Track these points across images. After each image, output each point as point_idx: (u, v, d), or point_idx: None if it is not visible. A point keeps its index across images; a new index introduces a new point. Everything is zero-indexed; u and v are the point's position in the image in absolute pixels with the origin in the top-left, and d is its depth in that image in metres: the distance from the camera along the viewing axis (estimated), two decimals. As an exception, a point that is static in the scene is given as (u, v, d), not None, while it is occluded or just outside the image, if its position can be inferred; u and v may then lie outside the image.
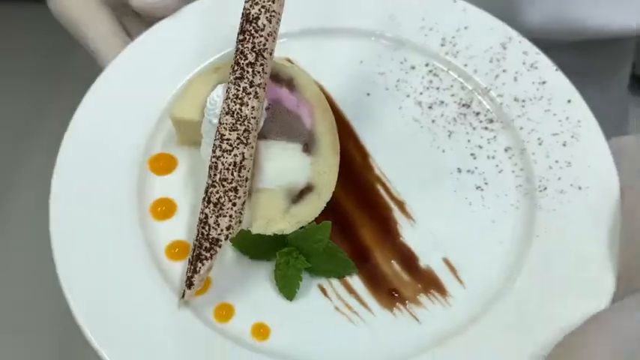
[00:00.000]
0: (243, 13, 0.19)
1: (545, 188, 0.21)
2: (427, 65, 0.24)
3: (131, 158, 0.21)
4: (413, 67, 0.24)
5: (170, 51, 0.23)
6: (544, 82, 0.23)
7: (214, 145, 0.18)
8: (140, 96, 0.22)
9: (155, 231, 0.20)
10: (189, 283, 0.18)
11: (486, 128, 0.23)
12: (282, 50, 0.23)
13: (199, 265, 0.18)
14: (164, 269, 0.19)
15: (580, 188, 0.21)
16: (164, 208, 0.21)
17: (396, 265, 0.20)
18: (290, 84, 0.20)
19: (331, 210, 0.20)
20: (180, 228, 0.20)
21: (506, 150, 0.22)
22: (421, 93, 0.24)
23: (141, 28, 0.24)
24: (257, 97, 0.18)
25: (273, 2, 0.19)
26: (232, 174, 0.18)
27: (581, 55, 0.35)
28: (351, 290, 0.20)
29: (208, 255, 0.18)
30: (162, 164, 0.22)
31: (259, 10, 0.18)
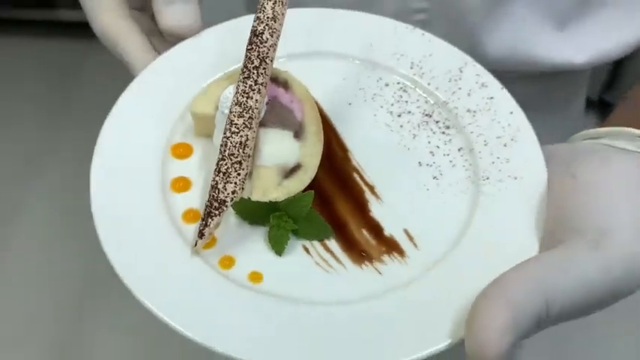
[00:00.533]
0: (251, 30, 0.25)
1: (488, 178, 0.26)
2: (398, 83, 0.30)
3: (157, 145, 0.26)
4: (387, 85, 0.30)
5: (191, 63, 0.29)
6: (492, 98, 0.29)
7: (225, 128, 0.24)
8: (166, 97, 0.28)
9: (174, 201, 0.25)
10: (201, 234, 0.23)
11: (444, 133, 0.28)
12: (281, 66, 0.28)
13: (209, 220, 0.23)
14: (180, 230, 0.24)
15: (516, 178, 0.26)
16: (182, 184, 0.26)
17: (365, 233, 0.25)
18: (285, 85, 0.26)
19: (314, 187, 0.25)
20: (194, 199, 0.25)
21: (459, 150, 0.28)
22: (392, 104, 0.29)
23: (166, 46, 0.30)
24: (260, 93, 0.24)
25: (275, 22, 0.24)
26: (238, 150, 0.23)
27: (538, 83, 0.40)
28: (328, 250, 0.24)
29: (217, 213, 0.23)
30: (182, 151, 0.27)
31: (264, 27, 0.24)
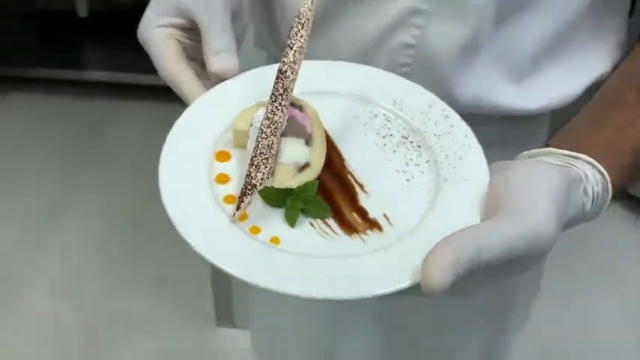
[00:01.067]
0: (278, 69, 0.35)
1: (446, 180, 0.36)
2: (384, 115, 0.40)
3: (205, 151, 0.36)
4: (375, 115, 0.40)
5: (231, 95, 0.39)
6: (452, 126, 0.39)
7: (257, 136, 0.34)
8: (212, 119, 0.38)
9: (218, 190, 0.35)
10: (238, 208, 0.33)
11: (416, 150, 0.38)
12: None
13: (244, 198, 0.33)
14: (223, 208, 0.34)
15: (466, 180, 0.36)
16: (223, 179, 0.36)
17: (354, 215, 0.34)
18: (300, 108, 0.36)
19: (319, 182, 0.35)
20: (232, 189, 0.35)
21: (426, 161, 0.37)
22: (379, 129, 0.39)
23: (210, 85, 0.40)
24: (282, 112, 0.34)
25: (294, 64, 0.35)
26: (266, 151, 0.33)
27: (501, 125, 0.50)
28: (327, 225, 0.34)
29: (249, 193, 0.33)
30: (223, 156, 0.37)
31: (287, 67, 0.35)
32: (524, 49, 0.47)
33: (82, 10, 2.35)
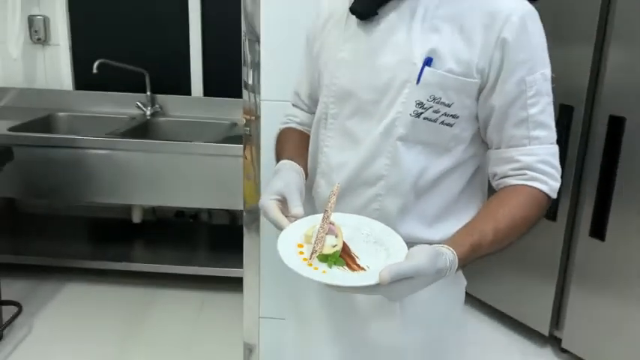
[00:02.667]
0: (324, 210, 0.90)
1: (389, 253, 0.89)
2: (367, 234, 0.95)
3: (293, 243, 0.90)
4: (362, 233, 0.95)
5: (301, 223, 0.94)
6: (390, 235, 0.93)
7: (316, 235, 0.87)
8: (296, 233, 0.92)
9: (299, 255, 0.88)
10: (310, 257, 0.85)
11: (378, 244, 0.92)
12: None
13: (312, 256, 0.85)
14: (301, 260, 0.87)
15: (398, 251, 0.89)
16: (300, 252, 0.89)
17: (353, 265, 0.87)
18: (332, 224, 0.90)
19: (339, 251, 0.88)
20: (305, 255, 0.89)
21: (384, 248, 0.91)
22: (364, 238, 0.94)
23: (291, 219, 0.95)
24: (326, 224, 0.88)
25: (330, 210, 0.90)
26: (320, 239, 0.87)
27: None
28: (343, 268, 0.86)
29: (314, 254, 0.86)
30: (300, 245, 0.90)
31: (328, 210, 0.90)
32: (432, 211, 1.04)
33: (137, 218, 3.00)
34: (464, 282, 1.14)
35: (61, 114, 2.91)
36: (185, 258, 2.69)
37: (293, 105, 1.25)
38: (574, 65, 2.10)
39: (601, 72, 2.05)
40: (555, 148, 0.98)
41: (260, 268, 1.68)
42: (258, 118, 1.56)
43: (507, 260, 2.37)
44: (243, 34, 1.52)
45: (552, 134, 0.98)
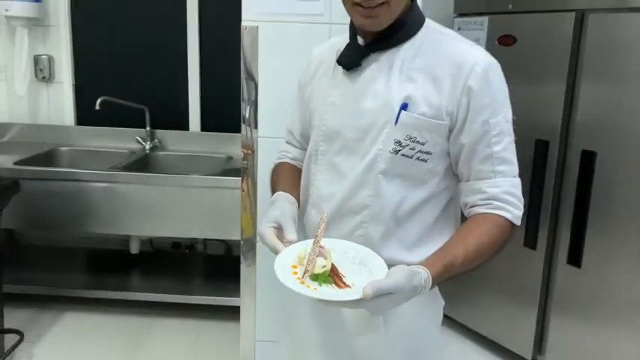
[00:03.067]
0: (315, 236, 1.02)
1: (371, 271, 1.01)
2: (352, 257, 1.07)
3: (288, 264, 1.02)
4: (348, 256, 1.07)
5: (295, 247, 1.06)
6: (374, 258, 1.05)
7: (308, 257, 0.99)
8: (289, 254, 1.04)
9: (292, 275, 1.00)
10: (302, 276, 0.97)
11: (363, 265, 1.04)
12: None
13: (304, 275, 0.97)
14: (294, 279, 0.99)
15: (380, 272, 1.01)
16: (294, 272, 1.01)
17: (340, 283, 0.98)
18: (322, 247, 1.02)
19: (328, 271, 1.00)
20: (299, 275, 1.00)
21: (368, 269, 1.03)
22: (350, 260, 1.06)
23: (286, 244, 1.07)
24: (317, 246, 1.00)
25: (319, 235, 1.02)
26: (312, 260, 0.98)
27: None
28: (331, 285, 0.98)
29: (306, 273, 0.97)
30: (294, 267, 1.02)
31: (318, 236, 1.02)
32: (411, 237, 1.16)
33: (135, 249, 3.09)
34: (442, 302, 1.26)
35: (63, 148, 3.03)
36: (181, 287, 2.78)
37: (286, 142, 1.38)
38: (548, 102, 2.26)
39: (573, 108, 2.21)
40: (517, 181, 1.11)
41: (256, 294, 1.78)
42: (254, 152, 1.70)
43: (491, 287, 2.49)
44: (242, 76, 1.67)
45: (514, 169, 1.11)
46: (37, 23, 3.01)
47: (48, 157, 2.94)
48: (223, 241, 3.13)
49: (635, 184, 2.02)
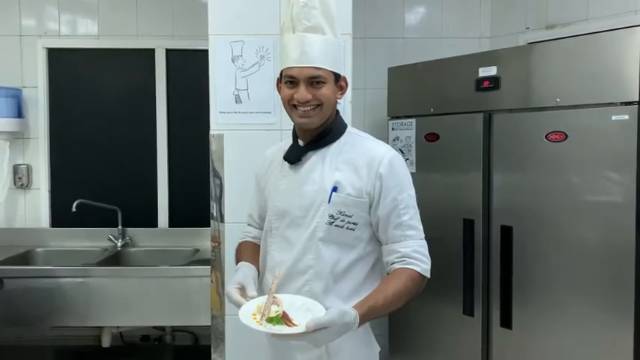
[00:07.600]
0: (269, 291, 1.32)
1: (313, 314, 1.30)
2: (302, 304, 1.36)
3: (249, 313, 1.31)
4: (297, 305, 1.36)
5: (254, 301, 1.35)
6: (316, 305, 1.35)
7: (264, 306, 1.28)
8: (250, 307, 1.33)
9: (252, 320, 1.29)
10: (261, 319, 1.26)
11: (308, 311, 1.33)
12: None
13: (262, 319, 1.26)
14: (253, 322, 1.28)
15: (320, 312, 1.30)
16: (254, 317, 1.29)
17: (289, 323, 1.27)
18: (275, 298, 1.31)
19: (280, 315, 1.29)
20: (258, 320, 1.29)
21: (311, 313, 1.32)
22: (298, 308, 1.35)
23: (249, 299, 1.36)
24: (272, 297, 1.29)
25: (272, 290, 1.32)
26: (267, 307, 1.27)
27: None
28: (282, 324, 1.26)
29: (263, 317, 1.26)
30: (254, 316, 1.31)
31: (272, 291, 1.32)
32: (346, 291, 1.46)
33: (106, 342, 3.25)
34: (378, 348, 1.55)
35: (38, 249, 3.24)
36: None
37: (248, 224, 1.71)
38: (470, 187, 2.66)
39: (490, 191, 2.61)
40: (423, 242, 1.46)
41: (224, 364, 2.01)
42: (221, 243, 2.01)
43: (436, 354, 2.74)
44: (210, 176, 2.02)
45: (420, 233, 1.46)
46: (17, 136, 3.33)
47: (24, 258, 3.14)
48: (191, 333, 3.32)
49: (548, 253, 2.39)
